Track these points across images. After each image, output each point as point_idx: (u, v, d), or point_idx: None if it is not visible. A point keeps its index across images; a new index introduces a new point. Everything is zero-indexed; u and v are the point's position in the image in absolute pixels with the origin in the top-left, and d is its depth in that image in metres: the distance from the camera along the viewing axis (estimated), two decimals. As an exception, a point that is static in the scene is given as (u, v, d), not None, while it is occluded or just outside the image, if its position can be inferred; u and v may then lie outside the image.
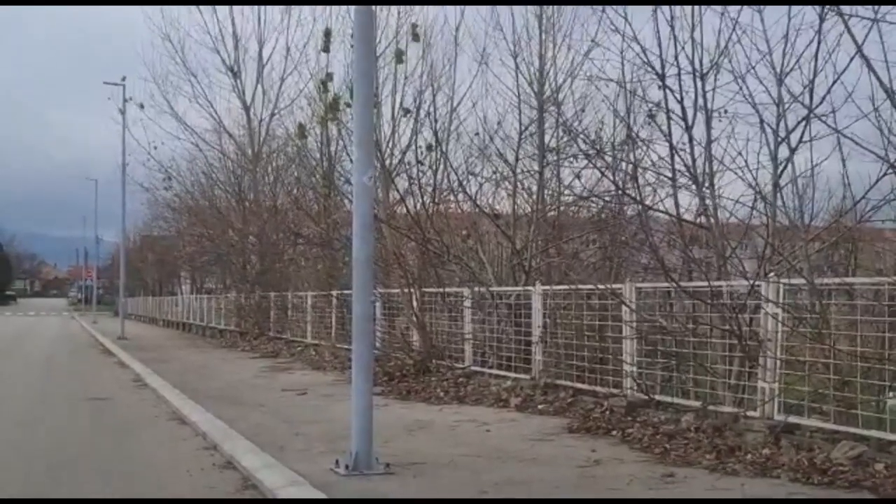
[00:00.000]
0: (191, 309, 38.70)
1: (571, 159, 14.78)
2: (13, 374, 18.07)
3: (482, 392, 11.96)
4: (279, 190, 28.98)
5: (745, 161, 9.79)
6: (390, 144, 18.95)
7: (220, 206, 31.85)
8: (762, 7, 9.29)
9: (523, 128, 16.03)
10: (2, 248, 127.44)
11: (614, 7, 10.89)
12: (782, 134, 9.41)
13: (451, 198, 16.84)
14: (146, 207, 44.95)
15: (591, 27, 12.76)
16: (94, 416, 11.72)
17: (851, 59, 8.27)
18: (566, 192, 15.43)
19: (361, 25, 7.62)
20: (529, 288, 12.24)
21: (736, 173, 9.94)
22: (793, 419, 7.71)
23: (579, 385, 10.79)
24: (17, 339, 32.76)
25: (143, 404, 12.91)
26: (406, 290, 14.84)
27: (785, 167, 9.53)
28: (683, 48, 10.25)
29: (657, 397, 9.45)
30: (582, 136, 13.65)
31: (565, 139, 15.17)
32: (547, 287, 11.90)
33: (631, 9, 10.76)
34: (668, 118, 10.65)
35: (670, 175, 10.86)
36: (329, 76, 18.52)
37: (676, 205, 10.99)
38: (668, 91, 10.57)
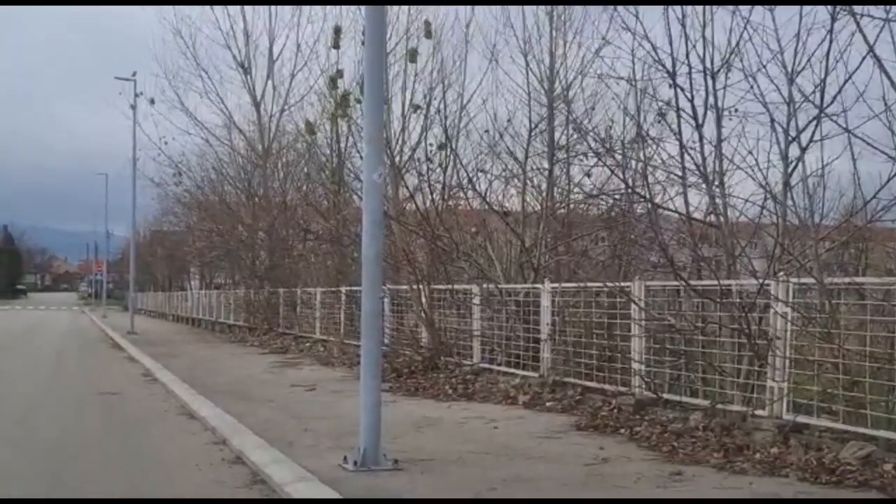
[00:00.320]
0: (200, 304, 38.80)
1: (581, 157, 14.83)
2: (23, 368, 18.17)
3: (490, 389, 11.97)
4: (289, 186, 29.05)
5: (756, 160, 9.79)
6: (400, 141, 18.99)
7: (230, 201, 31.91)
8: (774, 6, 9.27)
9: (533, 125, 16.04)
10: (13, 242, 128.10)
11: (625, 5, 10.89)
12: (793, 133, 9.38)
13: (461, 195, 16.85)
14: (156, 202, 45.05)
15: (602, 25, 12.77)
16: (104, 411, 11.77)
17: (863, 58, 8.26)
18: (576, 189, 15.47)
19: (373, 23, 7.62)
20: (538, 285, 12.24)
21: (746, 172, 9.93)
22: (802, 419, 7.70)
23: (587, 383, 10.78)
24: (27, 334, 32.90)
25: (152, 399, 12.96)
26: (415, 287, 14.85)
27: (795, 166, 9.51)
28: (694, 46, 10.26)
29: (665, 396, 9.44)
30: (592, 133, 13.67)
31: (575, 137, 15.20)
32: (556, 285, 11.89)
33: (642, 7, 10.77)
34: (679, 117, 10.65)
35: (680, 173, 10.85)
36: (339, 73, 18.56)
37: (686, 203, 11.00)
38: (678, 89, 10.57)
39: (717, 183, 10.34)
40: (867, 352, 7.42)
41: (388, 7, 17.37)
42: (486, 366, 13.00)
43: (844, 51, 8.58)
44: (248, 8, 29.97)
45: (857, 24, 8.14)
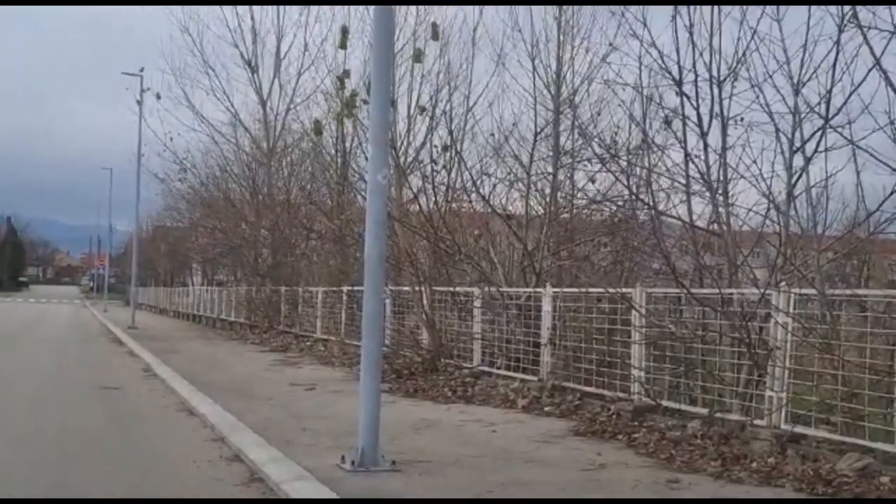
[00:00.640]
0: (201, 300, 38.84)
1: (586, 162, 14.83)
2: (23, 361, 18.18)
3: (489, 392, 11.98)
4: (293, 184, 29.07)
5: (760, 169, 9.81)
6: (405, 142, 19.02)
7: (234, 198, 31.95)
8: (781, 16, 9.29)
9: (538, 129, 16.06)
10: (16, 234, 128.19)
11: (633, 12, 10.92)
12: (798, 143, 9.41)
13: (465, 197, 16.87)
14: (160, 198, 45.20)
15: (610, 31, 12.78)
16: (104, 406, 11.79)
17: (869, 71, 8.29)
18: (579, 195, 15.47)
19: (380, 25, 7.64)
20: (540, 290, 12.26)
21: (750, 181, 9.96)
22: (800, 429, 7.70)
23: (587, 388, 10.79)
24: (28, 327, 32.94)
25: (152, 394, 12.98)
26: (417, 289, 14.87)
27: (799, 177, 9.52)
28: (701, 55, 10.29)
29: (664, 403, 9.45)
30: (597, 139, 13.69)
31: (580, 142, 15.21)
32: (557, 289, 11.91)
33: (650, 14, 10.80)
34: (684, 124, 10.67)
35: (684, 181, 10.87)
36: (346, 73, 18.56)
37: (689, 211, 11.02)
38: (684, 97, 10.59)
39: (720, 191, 10.35)
40: (867, 364, 7.43)
41: (396, 8, 17.41)
42: (486, 369, 13.01)
43: (851, 63, 8.61)
44: (256, 6, 30.05)
45: (864, 36, 8.17)
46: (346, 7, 22.04)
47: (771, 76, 9.49)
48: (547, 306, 11.73)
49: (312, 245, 26.19)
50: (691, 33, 10.29)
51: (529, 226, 15.36)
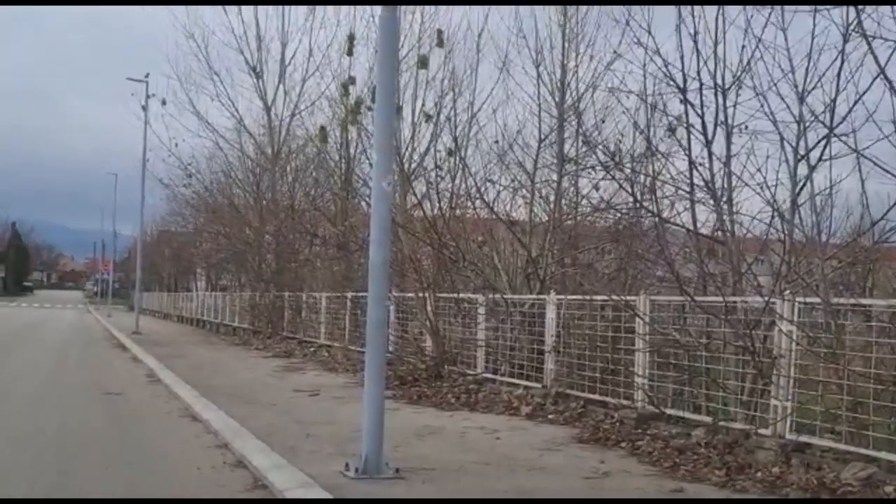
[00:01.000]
0: (205, 306, 38.87)
1: (590, 170, 14.80)
2: (26, 365, 18.21)
3: (493, 399, 11.97)
4: (297, 190, 29.11)
5: (764, 178, 9.79)
6: (409, 148, 19.03)
7: (238, 204, 31.98)
8: (786, 25, 9.30)
9: (543, 136, 16.06)
10: (20, 239, 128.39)
11: (637, 20, 10.93)
12: (802, 152, 9.40)
13: (469, 204, 16.87)
14: (165, 203, 45.25)
15: (614, 39, 12.77)
16: (107, 411, 11.81)
17: (873, 80, 8.28)
18: (583, 202, 15.45)
19: (386, 32, 7.65)
20: (544, 297, 12.26)
21: (754, 189, 9.94)
22: (804, 438, 7.69)
23: (590, 395, 10.79)
24: (32, 331, 33.00)
25: (155, 400, 12.99)
26: (420, 295, 14.87)
27: (804, 185, 9.51)
28: (706, 63, 10.28)
29: (668, 411, 9.44)
30: (601, 146, 13.67)
31: (584, 149, 15.20)
32: (561, 296, 11.90)
33: (654, 22, 10.80)
34: (688, 132, 10.67)
35: (688, 189, 10.87)
36: (351, 79, 18.63)
37: (693, 219, 11.00)
38: (688, 105, 10.59)
39: (724, 199, 10.35)
40: (872, 373, 7.42)
41: (401, 15, 17.43)
42: (490, 376, 13.00)
43: (855, 72, 8.61)
44: (261, 12, 30.07)
45: (869, 45, 8.17)
46: (352, 13, 22.08)
47: (775, 85, 9.50)
48: (551, 313, 11.73)
49: (316, 251, 26.20)
50: (696, 41, 10.30)
51: (533, 233, 15.35)
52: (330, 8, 27.08)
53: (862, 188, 8.79)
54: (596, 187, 14.69)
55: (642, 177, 12.21)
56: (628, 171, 12.55)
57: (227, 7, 30.09)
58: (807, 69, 9.18)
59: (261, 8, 30.15)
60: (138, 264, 39.17)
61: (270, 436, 9.06)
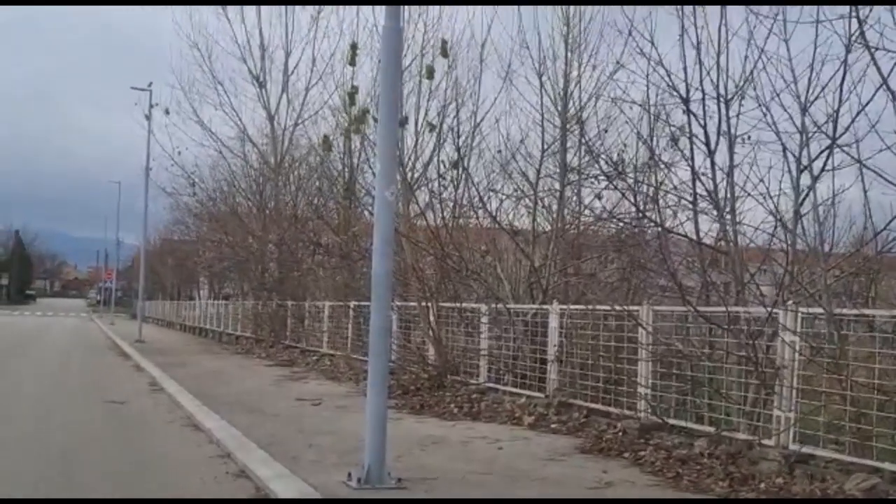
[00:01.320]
0: (208, 314, 38.87)
1: (593, 179, 14.82)
2: (29, 375, 18.20)
3: (496, 409, 11.96)
4: (300, 199, 29.12)
5: (767, 188, 9.79)
6: (412, 158, 19.04)
7: (241, 212, 32.01)
8: (788, 36, 9.31)
9: (546, 146, 16.06)
10: (24, 247, 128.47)
11: (640, 30, 10.96)
12: (805, 162, 9.40)
13: (472, 213, 16.87)
14: (168, 211, 45.33)
15: (617, 49, 12.80)
16: (110, 420, 11.81)
17: (876, 90, 8.28)
18: (586, 211, 15.45)
19: (389, 42, 7.67)
20: (546, 306, 12.25)
21: (757, 200, 9.95)
22: (808, 449, 7.68)
23: (593, 405, 10.78)
24: (34, 339, 33.02)
25: (158, 409, 12.99)
26: (423, 304, 14.87)
27: (807, 195, 9.51)
28: (709, 73, 10.30)
29: (671, 421, 9.43)
30: (604, 156, 13.66)
31: (587, 159, 15.20)
32: (564, 306, 11.90)
33: (657, 32, 10.82)
34: (691, 142, 10.68)
35: (691, 199, 10.87)
36: (355, 88, 18.63)
37: (696, 229, 11.00)
38: (691, 115, 10.61)
39: (727, 209, 10.35)
40: (875, 384, 7.41)
41: (405, 25, 17.45)
42: (493, 385, 12.99)
43: (858, 82, 8.60)
44: (264, 22, 30.27)
45: (872, 56, 8.18)
46: (355, 22, 22.18)
47: (778, 95, 9.50)
48: (554, 323, 11.73)
49: (319, 259, 26.20)
50: (699, 52, 10.32)
51: (536, 242, 15.37)
52: (333, 18, 27.27)
53: (865, 198, 8.80)
54: (599, 197, 14.71)
55: (645, 186, 12.23)
56: (631, 180, 12.57)
57: (231, 17, 30.28)
58: (809, 80, 9.19)
59: (264, 17, 30.30)
60: (141, 273, 39.20)
61: (273, 445, 9.06)
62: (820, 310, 8.17)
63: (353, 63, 18.53)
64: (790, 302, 8.31)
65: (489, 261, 15.27)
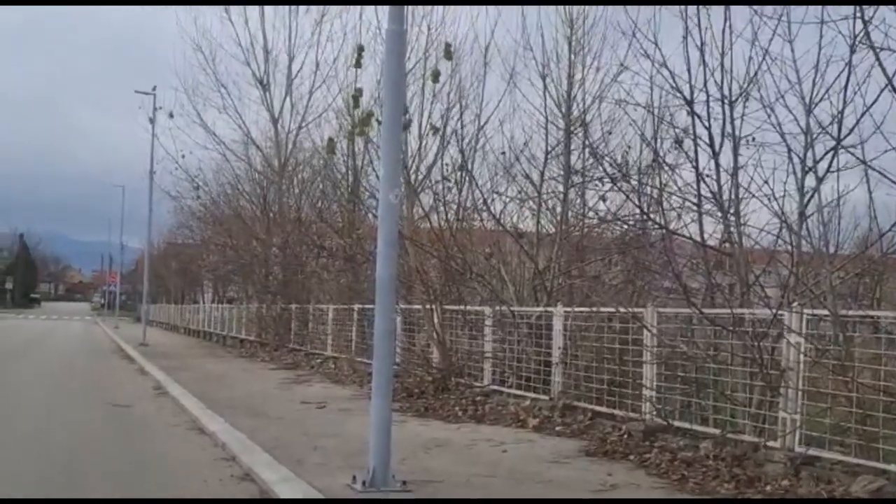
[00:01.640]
0: (212, 317, 38.91)
1: (597, 182, 14.79)
2: (34, 378, 18.22)
3: (500, 412, 11.94)
4: (304, 202, 29.14)
5: (772, 189, 9.76)
6: (416, 160, 19.03)
7: (245, 216, 32.03)
8: (793, 37, 9.29)
9: (549, 148, 16.04)
10: (28, 251, 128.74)
11: (644, 32, 10.94)
12: (810, 163, 9.37)
13: (475, 216, 16.86)
14: (172, 215, 45.35)
15: (621, 51, 12.77)
16: (114, 423, 11.81)
17: (881, 91, 8.25)
18: (590, 214, 15.43)
19: (393, 45, 7.66)
20: (551, 309, 12.24)
21: (762, 201, 9.91)
22: (813, 451, 7.65)
23: (598, 408, 10.76)
24: (39, 343, 33.04)
25: (162, 412, 12.99)
26: (427, 307, 14.86)
27: (811, 196, 9.48)
28: (713, 75, 10.28)
29: (676, 423, 9.40)
30: (608, 158, 13.66)
31: (591, 161, 15.17)
32: (568, 308, 11.89)
33: (661, 34, 10.81)
34: (696, 144, 10.66)
35: (695, 201, 10.85)
36: (359, 91, 18.61)
37: (701, 230, 10.99)
38: (695, 117, 10.58)
39: (732, 211, 10.33)
40: (881, 385, 7.39)
41: (408, 27, 17.45)
42: (497, 388, 12.98)
43: (863, 83, 8.57)
44: (268, 25, 30.18)
45: (877, 56, 8.15)
46: (358, 25, 22.14)
47: (783, 96, 9.48)
48: (558, 325, 11.72)
49: (323, 263, 26.19)
50: (702, 53, 10.30)
51: (540, 244, 15.35)
52: (336, 22, 27.22)
53: (870, 199, 8.79)
54: (603, 199, 14.69)
55: (649, 188, 12.22)
56: (635, 182, 12.56)
57: (235, 20, 30.28)
58: (814, 81, 9.17)
59: (268, 21, 30.34)
60: (145, 276, 39.28)
61: (277, 448, 9.05)
62: (825, 311, 8.15)
63: (358, 65, 18.51)
64: (795, 303, 8.29)
65: (493, 263, 15.26)
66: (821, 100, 9.15)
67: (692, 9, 10.41)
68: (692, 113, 10.59)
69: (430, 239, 15.78)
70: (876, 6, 8.28)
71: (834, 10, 8.67)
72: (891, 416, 7.30)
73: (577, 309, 11.89)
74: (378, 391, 7.32)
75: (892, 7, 8.12)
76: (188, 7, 32.34)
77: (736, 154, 10.24)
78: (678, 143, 11.43)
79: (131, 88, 34.93)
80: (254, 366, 22.24)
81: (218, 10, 30.76)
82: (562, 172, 16.09)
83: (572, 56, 16.32)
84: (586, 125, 15.61)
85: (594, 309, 11.42)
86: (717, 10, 10.27)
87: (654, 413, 9.63)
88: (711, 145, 10.43)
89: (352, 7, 24.11)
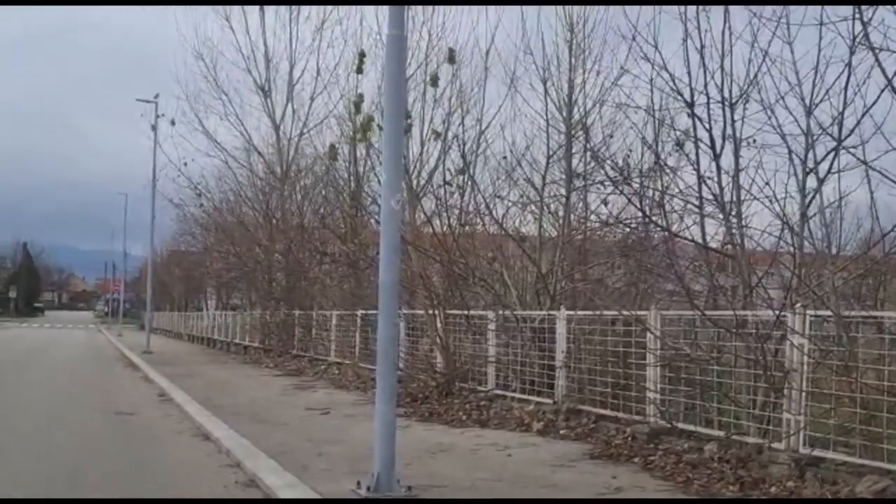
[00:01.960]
0: (216, 324, 38.93)
1: (598, 185, 14.80)
2: (38, 386, 18.23)
3: (504, 416, 11.95)
4: (306, 208, 29.16)
5: (773, 191, 9.75)
6: (418, 166, 19.06)
7: (248, 222, 32.06)
8: (792, 38, 9.31)
9: (551, 152, 16.05)
10: (31, 260, 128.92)
11: (644, 35, 10.96)
12: (811, 165, 9.38)
13: (478, 220, 16.86)
14: (175, 222, 45.39)
15: (621, 54, 12.80)
16: (119, 430, 11.83)
17: (881, 92, 8.27)
18: (592, 217, 15.44)
19: (393, 50, 7.68)
20: (554, 312, 12.24)
21: (763, 203, 9.91)
22: (818, 452, 7.65)
23: (602, 411, 10.76)
24: (43, 352, 33.09)
25: (167, 419, 13.00)
26: (430, 312, 14.87)
27: (813, 197, 9.49)
28: (713, 77, 10.28)
29: (680, 425, 9.40)
30: (609, 162, 13.66)
31: (593, 165, 15.18)
32: (571, 312, 11.89)
33: (660, 37, 10.82)
34: (697, 146, 10.67)
35: (697, 203, 10.86)
36: (360, 97, 18.67)
37: (703, 232, 10.99)
38: (696, 119, 10.59)
39: (733, 213, 10.33)
40: (885, 385, 7.38)
41: (409, 33, 17.48)
42: (501, 392, 12.97)
43: (863, 84, 8.58)
44: (269, 32, 30.26)
45: (876, 57, 8.16)
46: (358, 31, 22.22)
47: (783, 98, 9.49)
48: (561, 329, 11.72)
49: (326, 269, 26.21)
50: (702, 56, 10.30)
51: (543, 248, 15.34)
52: (337, 27, 27.27)
53: (871, 200, 8.80)
54: (605, 202, 14.69)
55: (651, 191, 12.21)
56: (637, 185, 12.55)
57: (235, 27, 30.37)
58: (814, 82, 9.19)
59: (269, 27, 30.35)
60: (149, 284, 39.32)
61: (282, 454, 9.06)
62: (828, 312, 8.15)
63: (360, 71, 18.57)
64: (798, 305, 8.28)
65: (496, 267, 15.25)
66: (821, 101, 9.17)
67: (692, 11, 10.43)
68: (693, 115, 10.60)
69: (433, 244, 15.78)
70: (875, 7, 8.29)
71: (833, 12, 8.69)
72: (895, 417, 7.30)
73: (580, 312, 11.89)
74: (382, 396, 7.32)
75: (890, 8, 8.14)
76: (189, 15, 32.38)
77: (737, 156, 10.25)
78: (679, 145, 11.44)
79: (133, 96, 35.11)
80: (258, 372, 22.26)
81: (219, 17, 30.88)
82: (563, 176, 16.09)
83: (573, 60, 16.33)
84: (587, 129, 15.61)
85: (597, 312, 11.42)
86: (717, 13, 10.29)
87: (659, 415, 9.63)
88: (712, 147, 10.44)
89: (352, 13, 24.25)
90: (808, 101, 9.23)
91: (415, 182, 18.46)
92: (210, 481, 8.27)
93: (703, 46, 10.29)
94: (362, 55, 18.15)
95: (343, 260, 22.88)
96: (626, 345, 10.63)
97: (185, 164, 32.46)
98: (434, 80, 17.63)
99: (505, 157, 16.65)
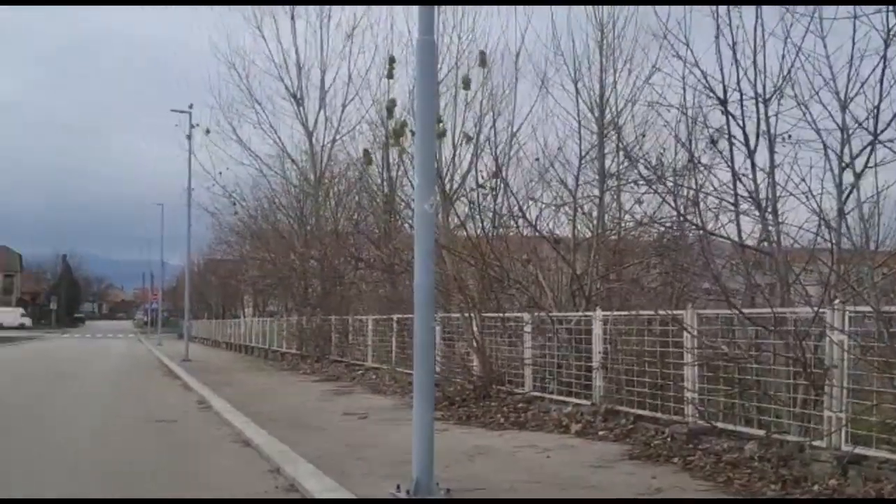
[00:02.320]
0: (253, 332, 39.21)
1: (632, 184, 14.75)
2: (81, 395, 18.47)
3: (542, 418, 11.94)
4: (340, 214, 29.35)
5: (809, 187, 9.66)
6: (450, 169, 19.12)
7: (282, 229, 32.30)
8: (825, 33, 9.23)
9: (583, 153, 16.05)
10: (71, 271, 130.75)
11: (675, 33, 10.92)
12: (847, 160, 9.29)
13: (511, 223, 16.88)
14: (210, 231, 45.82)
15: (652, 53, 12.80)
16: (160, 438, 11.95)
17: (917, 84, 8.18)
18: (627, 217, 15.39)
19: (424, 55, 7.71)
20: (590, 313, 12.21)
21: (799, 199, 9.81)
22: (860, 450, 7.56)
23: (640, 411, 10.71)
24: (85, 362, 33.48)
25: (207, 426, 13.12)
26: (466, 315, 14.89)
27: (850, 193, 9.39)
28: (746, 73, 10.22)
29: (719, 425, 9.33)
30: (643, 161, 13.61)
31: (626, 164, 15.15)
32: (607, 313, 11.86)
33: (692, 34, 10.77)
34: (731, 144, 10.59)
35: (732, 201, 10.78)
36: (393, 102, 18.77)
37: (738, 230, 10.90)
38: (730, 116, 10.52)
39: (769, 210, 10.25)
40: (927, 381, 7.29)
41: (439, 35, 17.54)
42: (538, 394, 12.96)
43: (899, 76, 8.50)
44: (300, 39, 30.53)
45: (911, 49, 8.08)
46: (389, 37, 22.32)
47: (817, 93, 9.41)
48: (597, 330, 11.69)
49: (361, 274, 26.34)
50: (735, 52, 10.24)
51: (577, 249, 15.32)
52: (367, 33, 27.52)
53: (910, 194, 8.68)
54: (639, 202, 14.64)
55: (685, 189, 12.13)
56: (671, 184, 12.48)
57: (267, 35, 30.68)
58: (848, 76, 9.10)
59: (299, 35, 30.62)
60: (186, 293, 39.68)
61: (321, 459, 9.11)
62: (868, 308, 8.05)
63: (391, 76, 18.67)
64: (837, 301, 8.20)
65: (530, 269, 15.25)
66: (856, 95, 9.08)
67: (723, 8, 10.37)
68: (726, 112, 10.53)
69: (467, 247, 15.81)
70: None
71: (866, 5, 8.60)
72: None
73: (616, 313, 11.86)
74: (420, 400, 7.34)
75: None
76: (220, 25, 32.72)
77: (772, 152, 10.17)
78: (713, 143, 11.35)
79: (167, 108, 35.47)
80: (295, 378, 22.39)
81: (250, 26, 31.20)
82: (596, 176, 16.09)
83: (603, 60, 16.36)
84: (619, 128, 15.61)
85: (633, 312, 11.39)
86: (749, 9, 10.22)
87: (697, 415, 9.56)
88: (746, 144, 10.37)
89: (382, 19, 24.44)
90: (842, 96, 9.15)
91: (448, 186, 18.52)
92: (251, 486, 8.33)
93: (735, 43, 10.24)
94: (392, 60, 18.24)
95: (378, 265, 22.99)
96: (664, 345, 10.58)
97: (220, 173, 32.85)
98: (466, 83, 17.68)
99: (537, 159, 16.69)
